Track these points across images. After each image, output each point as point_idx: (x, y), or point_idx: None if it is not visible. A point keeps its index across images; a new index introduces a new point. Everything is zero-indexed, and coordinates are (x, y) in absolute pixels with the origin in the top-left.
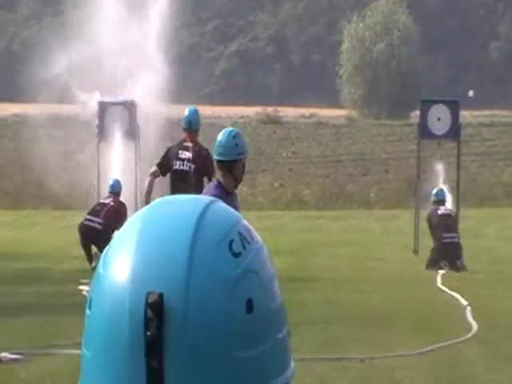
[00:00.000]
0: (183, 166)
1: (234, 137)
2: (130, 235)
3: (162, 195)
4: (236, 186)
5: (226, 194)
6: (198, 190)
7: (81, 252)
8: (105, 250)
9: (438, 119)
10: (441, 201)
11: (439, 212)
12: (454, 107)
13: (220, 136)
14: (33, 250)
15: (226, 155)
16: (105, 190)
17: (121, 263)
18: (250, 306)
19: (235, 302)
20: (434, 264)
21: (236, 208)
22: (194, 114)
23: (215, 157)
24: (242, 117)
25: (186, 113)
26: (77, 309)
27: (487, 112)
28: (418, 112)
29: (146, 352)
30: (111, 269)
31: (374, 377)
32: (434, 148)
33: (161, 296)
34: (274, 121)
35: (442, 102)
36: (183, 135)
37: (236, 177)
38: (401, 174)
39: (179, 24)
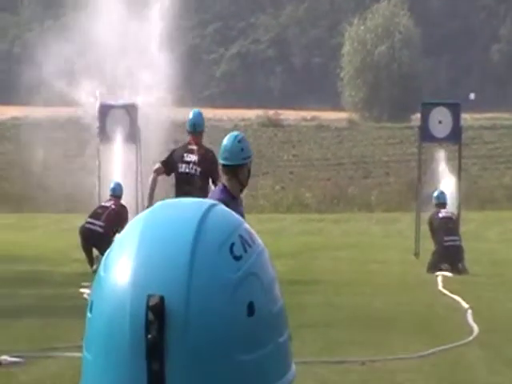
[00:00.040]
0: (189, 168)
1: (239, 141)
2: (131, 238)
3: (164, 198)
4: (241, 191)
5: (231, 198)
6: (204, 193)
7: (81, 255)
8: (106, 253)
9: (439, 122)
10: (442, 203)
11: (440, 215)
12: (455, 110)
13: (225, 140)
14: (33, 252)
15: (232, 159)
16: (106, 193)
17: (122, 266)
18: (251, 309)
19: (236, 306)
20: (435, 267)
21: (241, 214)
22: (199, 116)
23: (221, 161)
24: (243, 120)
25: (191, 115)
26: (77, 312)
27: (488, 115)
28: (419, 115)
29: (146, 355)
30: (112, 272)
31: (375, 380)
32: (436, 150)
33: (162, 299)
34: (275, 124)
35: (443, 104)
36: (188, 138)
37: (241, 181)
38: (402, 177)
39: (180, 26)
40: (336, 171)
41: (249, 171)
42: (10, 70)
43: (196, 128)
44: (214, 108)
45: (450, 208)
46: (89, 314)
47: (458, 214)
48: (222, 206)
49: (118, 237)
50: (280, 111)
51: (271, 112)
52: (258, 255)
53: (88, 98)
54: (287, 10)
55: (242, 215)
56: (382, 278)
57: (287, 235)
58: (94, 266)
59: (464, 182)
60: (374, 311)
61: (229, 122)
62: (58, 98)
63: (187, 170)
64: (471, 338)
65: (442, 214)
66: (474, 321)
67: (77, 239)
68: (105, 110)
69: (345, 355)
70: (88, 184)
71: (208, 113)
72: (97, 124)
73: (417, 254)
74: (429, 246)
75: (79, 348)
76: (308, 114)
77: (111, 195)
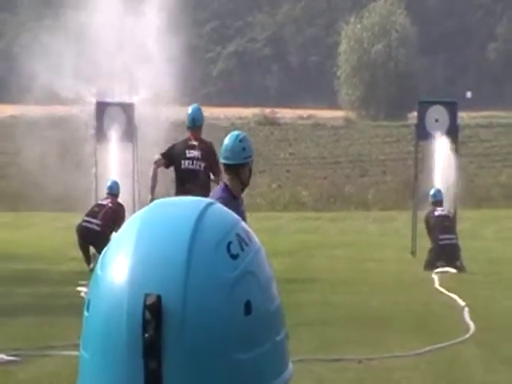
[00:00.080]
0: (192, 164)
1: (240, 140)
2: (128, 237)
3: (164, 194)
4: (243, 190)
5: (232, 197)
6: (206, 188)
7: (78, 253)
8: (103, 252)
9: (436, 120)
10: (438, 202)
11: (436, 213)
12: (452, 108)
13: (227, 140)
14: (29, 251)
15: (233, 159)
16: (103, 191)
17: (119, 265)
18: (248, 307)
19: (233, 304)
20: (431, 265)
21: (243, 213)
22: (198, 111)
23: (222, 160)
24: (240, 118)
25: (190, 111)
26: (74, 310)
27: (485, 113)
28: (415, 113)
29: (144, 354)
30: (109, 270)
31: (371, 378)
32: (432, 148)
33: (159, 298)
34: (272, 122)
35: (440, 103)
36: (187, 134)
37: (243, 180)
38: (398, 176)
39: (177, 25)
40: (333, 170)
41: (250, 170)
42: (6, 68)
43: (195, 123)
44: (211, 106)
45: (447, 206)
46: (86, 313)
47: (455, 213)
48: (219, 205)
49: (115, 235)
50: (277, 110)
51: (268, 110)
52: (254, 254)
53: (84, 96)
54: (284, 8)
55: (244, 215)
56: (379, 276)
57: (284, 233)
58: (91, 265)
59: (460, 180)
60: (371, 309)
61: (226, 121)
62: (55, 96)
63: (191, 167)
64: (467, 335)
65: (438, 212)
66: (471, 319)
67: (73, 238)
68: (101, 109)
69: (341, 353)
70: (85, 182)
71: (205, 111)
72: (93, 122)
73: (413, 253)
74: (425, 244)
75: (76, 346)
76: (304, 113)
77: (108, 193)
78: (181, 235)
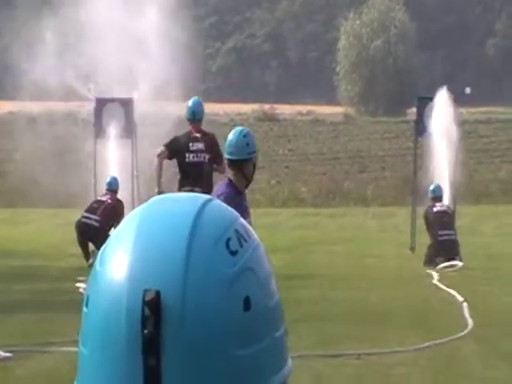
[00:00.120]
0: (196, 157)
1: (244, 136)
2: (127, 233)
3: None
4: (247, 186)
5: (236, 192)
6: (209, 182)
7: (77, 249)
8: (102, 248)
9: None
10: (438, 197)
11: (435, 209)
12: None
13: (230, 135)
14: (27, 247)
15: (237, 154)
16: (102, 187)
17: (118, 261)
18: (247, 304)
19: (232, 300)
20: (431, 261)
21: (247, 208)
22: (198, 104)
23: (226, 156)
24: (239, 114)
25: (190, 103)
26: (73, 306)
27: (484, 109)
28: (414, 109)
29: (143, 350)
30: (108, 266)
31: (370, 373)
32: (432, 144)
33: (158, 294)
34: (271, 118)
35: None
36: (188, 127)
37: (247, 176)
38: (397, 171)
39: (176, 21)
40: (332, 166)
41: (254, 166)
42: (3, 64)
43: (195, 116)
44: (210, 102)
45: (446, 202)
46: (85, 309)
47: (454, 208)
48: (218, 201)
49: (114, 231)
50: (276, 105)
51: (267, 106)
52: (253, 250)
53: (83, 92)
54: (283, 4)
55: (247, 210)
56: (378, 272)
57: (283, 229)
58: (90, 261)
59: (459, 176)
60: (370, 305)
61: (225, 117)
62: (53, 92)
63: (195, 159)
64: (466, 331)
65: (437, 207)
66: (470, 315)
67: (73, 234)
68: (100, 105)
69: (340, 349)
70: (83, 178)
71: (204, 107)
72: (92, 118)
73: (413, 249)
74: (425, 240)
75: (75, 343)
76: (304, 109)
77: (107, 189)
78: (180, 231)
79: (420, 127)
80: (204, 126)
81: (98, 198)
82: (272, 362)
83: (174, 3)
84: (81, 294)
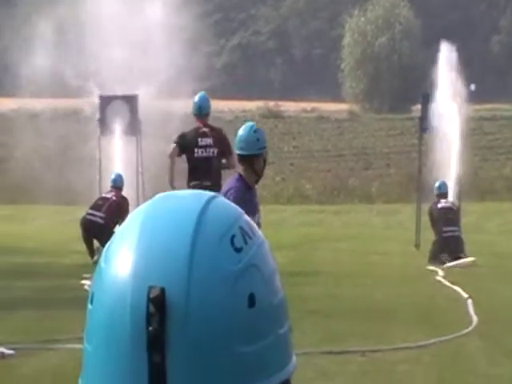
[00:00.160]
0: (205, 152)
1: (254, 131)
2: (131, 230)
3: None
4: (257, 182)
5: (247, 187)
6: (218, 176)
7: (82, 246)
8: (107, 245)
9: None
10: (443, 194)
11: (439, 205)
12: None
13: (241, 131)
14: (31, 244)
15: (248, 149)
16: (106, 184)
17: (123, 258)
18: (251, 300)
19: (237, 297)
20: (435, 257)
21: (256, 204)
22: (204, 99)
23: (236, 151)
24: (244, 111)
25: (196, 99)
26: (78, 303)
27: (488, 106)
28: (419, 106)
29: (147, 347)
30: (113, 263)
31: (375, 370)
32: (436, 141)
33: (162, 291)
34: (276, 115)
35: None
36: (195, 123)
37: (257, 171)
38: (402, 168)
39: (181, 17)
40: (336, 163)
41: (265, 161)
42: (5, 61)
43: (202, 111)
44: (215, 99)
45: (451, 199)
46: (89, 306)
47: (459, 206)
48: (222, 198)
49: (118, 228)
50: (280, 103)
51: (272, 103)
52: (258, 247)
53: (88, 89)
54: (288, 1)
55: (257, 206)
56: (383, 269)
57: (288, 226)
58: (95, 258)
59: (464, 173)
60: (375, 302)
61: (229, 114)
62: (58, 89)
63: (204, 154)
64: (471, 328)
65: (442, 204)
66: (475, 312)
67: (77, 231)
68: (105, 102)
69: (345, 346)
70: (88, 176)
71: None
72: (96, 116)
73: (417, 246)
74: (429, 237)
75: (80, 340)
76: (308, 106)
77: (112, 186)
78: (184, 228)
79: (424, 124)
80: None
81: (103, 195)
82: (276, 358)
83: (179, 0)
84: (86, 290)
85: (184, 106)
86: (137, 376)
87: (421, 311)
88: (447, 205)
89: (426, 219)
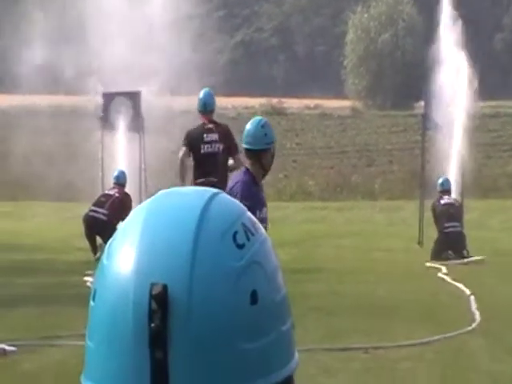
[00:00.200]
0: (211, 148)
1: (262, 126)
2: (134, 226)
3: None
4: (264, 176)
5: (254, 182)
6: (224, 173)
7: (85, 243)
8: (109, 241)
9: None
10: (446, 190)
11: (442, 201)
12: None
13: (249, 125)
14: (32, 241)
15: (255, 144)
16: (109, 181)
17: (125, 254)
18: (254, 297)
19: (239, 294)
20: (438, 255)
21: (263, 198)
22: (209, 95)
23: (244, 145)
24: (247, 108)
25: (201, 95)
26: (81, 300)
27: (492, 103)
28: (422, 103)
29: (150, 343)
30: (115, 260)
31: (377, 367)
32: (439, 137)
33: (165, 287)
34: (279, 112)
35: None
36: (199, 120)
37: (264, 166)
38: (405, 165)
39: (184, 14)
40: (339, 159)
41: (272, 156)
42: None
43: (207, 107)
44: (218, 96)
45: (454, 196)
46: (92, 303)
47: (462, 203)
48: (225, 195)
49: (121, 225)
50: (283, 99)
51: (274, 100)
52: (260, 244)
53: (91, 85)
54: None
55: (264, 200)
56: (386, 266)
57: (290, 223)
58: (98, 254)
59: (467, 170)
60: (378, 299)
61: (232, 110)
62: (60, 86)
63: (210, 150)
64: (474, 325)
65: (445, 200)
66: (477, 309)
67: (80, 228)
68: (108, 99)
69: (348, 343)
70: (90, 172)
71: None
72: (100, 112)
73: (420, 243)
74: (432, 234)
75: (82, 336)
76: (311, 102)
77: (115, 183)
78: (186, 225)
79: (428, 124)
80: None
81: (106, 192)
82: (279, 355)
83: None
84: (88, 287)
85: (187, 102)
86: (139, 372)
87: (424, 308)
88: (450, 201)
89: (429, 216)
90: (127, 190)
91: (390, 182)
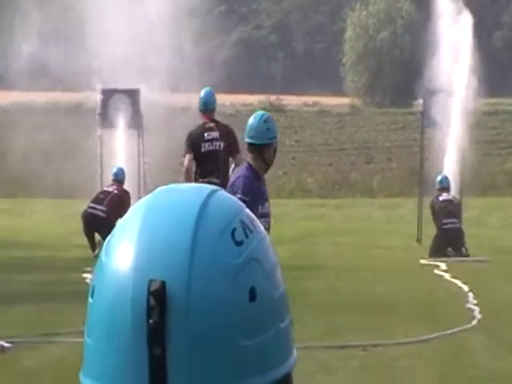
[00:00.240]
0: (212, 146)
1: (265, 121)
2: (132, 223)
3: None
4: (266, 171)
5: (256, 176)
6: (226, 170)
7: (84, 240)
8: (107, 238)
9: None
10: (445, 188)
11: (440, 198)
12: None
13: (251, 120)
14: (31, 238)
15: (258, 139)
16: (108, 178)
17: (123, 251)
18: (252, 294)
19: (238, 291)
20: (436, 252)
21: (265, 193)
22: (210, 94)
23: (247, 140)
24: (245, 105)
25: (202, 94)
26: (80, 297)
27: (491, 100)
28: (421, 100)
29: (148, 340)
30: (114, 256)
31: (376, 365)
32: (438, 135)
33: (163, 284)
34: (277, 109)
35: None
36: (200, 119)
37: (267, 161)
38: (404, 163)
39: (183, 11)
40: (338, 156)
41: (275, 151)
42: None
43: (208, 106)
44: (217, 93)
45: (452, 193)
46: (90, 299)
47: (461, 200)
48: (224, 192)
49: (119, 222)
50: (282, 96)
51: (273, 97)
52: (259, 241)
53: (89, 83)
54: None
55: (266, 195)
56: (384, 263)
57: (289, 220)
58: (97, 251)
59: (465, 167)
60: (376, 296)
61: (231, 107)
62: (59, 83)
63: (211, 148)
64: (474, 323)
65: (443, 197)
66: (476, 306)
67: (79, 224)
68: (107, 96)
69: (347, 340)
70: (89, 169)
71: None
72: (99, 109)
73: (419, 240)
74: (431, 231)
75: (81, 333)
76: (310, 100)
77: (113, 180)
78: (185, 222)
79: (427, 122)
80: None
81: (105, 189)
82: (277, 352)
83: None
84: (87, 284)
85: (186, 99)
86: (137, 369)
87: (422, 305)
88: (448, 198)
89: (427, 213)
90: (126, 186)
91: (389, 180)
